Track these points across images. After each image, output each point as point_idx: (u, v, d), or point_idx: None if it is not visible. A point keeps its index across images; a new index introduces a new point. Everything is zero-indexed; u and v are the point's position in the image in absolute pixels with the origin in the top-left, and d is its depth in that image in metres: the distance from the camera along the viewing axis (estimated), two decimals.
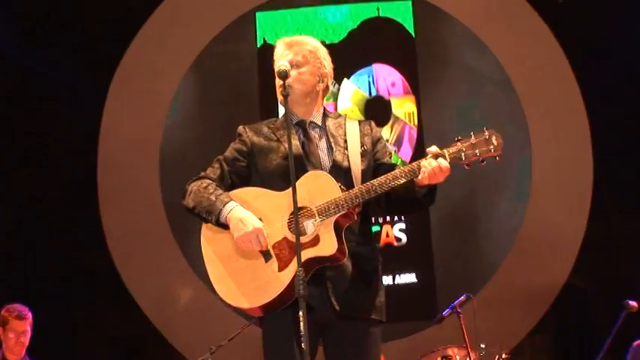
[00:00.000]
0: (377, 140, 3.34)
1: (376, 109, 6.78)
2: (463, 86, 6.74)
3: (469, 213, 6.66)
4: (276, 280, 3.11)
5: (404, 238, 6.65)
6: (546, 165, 6.59)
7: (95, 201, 6.65)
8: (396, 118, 6.76)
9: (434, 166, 3.05)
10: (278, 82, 3.21)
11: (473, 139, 3.08)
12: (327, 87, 3.37)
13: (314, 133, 3.31)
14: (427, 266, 6.61)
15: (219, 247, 3.20)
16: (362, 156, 3.25)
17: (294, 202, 2.96)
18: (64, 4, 6.57)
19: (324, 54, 3.36)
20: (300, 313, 2.86)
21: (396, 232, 6.65)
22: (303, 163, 3.21)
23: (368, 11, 6.87)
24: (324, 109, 3.39)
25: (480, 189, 6.64)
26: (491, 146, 3.07)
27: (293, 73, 3.24)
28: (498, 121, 6.48)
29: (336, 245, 3.06)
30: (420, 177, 3.07)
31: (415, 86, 6.82)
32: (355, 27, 6.83)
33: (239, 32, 6.70)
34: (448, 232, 6.65)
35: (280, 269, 3.10)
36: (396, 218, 6.63)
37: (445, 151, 3.08)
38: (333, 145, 3.27)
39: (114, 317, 6.60)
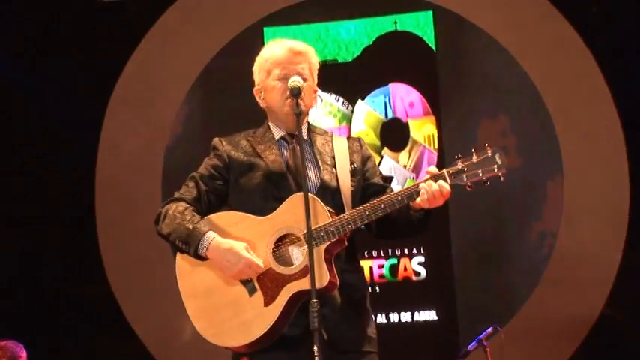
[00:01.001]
0: (367, 158, 3.21)
1: (393, 133, 6.51)
2: (488, 103, 6.42)
3: (494, 242, 6.36)
4: (262, 316, 2.97)
5: (423, 271, 6.35)
6: (579, 188, 6.23)
7: (93, 226, 6.44)
8: (415, 142, 6.48)
9: (434, 189, 2.93)
10: (279, 86, 3.10)
11: (474, 158, 2.95)
12: (315, 101, 3.28)
13: (299, 149, 3.10)
14: (449, 301, 6.31)
15: (197, 280, 3.07)
16: (352, 175, 3.13)
17: (308, 228, 2.85)
18: (60, 15, 6.41)
19: (317, 68, 3.24)
20: (315, 347, 2.77)
21: (414, 265, 6.36)
22: (287, 181, 3.07)
23: (385, 25, 6.57)
24: (309, 123, 3.25)
25: (506, 216, 6.35)
26: (495, 165, 2.94)
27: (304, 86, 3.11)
28: (527, 141, 6.27)
29: (327, 276, 2.92)
30: (418, 200, 2.95)
31: (436, 106, 6.49)
32: (370, 43, 6.55)
33: (246, 46, 6.30)
34: (471, 264, 6.33)
35: (266, 303, 2.98)
36: (414, 251, 6.34)
37: (445, 171, 2.96)
38: (319, 162, 3.13)
39: (113, 351, 6.39)
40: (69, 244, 6.41)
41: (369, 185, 3.16)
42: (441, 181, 2.94)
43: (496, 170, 2.93)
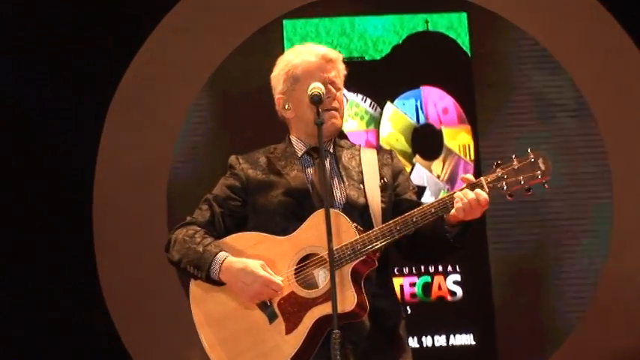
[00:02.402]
0: (398, 172, 3.10)
1: (426, 140, 6.12)
2: (530, 114, 6.12)
3: (536, 262, 6.05)
4: (283, 345, 2.85)
5: (459, 291, 6.02)
6: (630, 209, 6.00)
7: (91, 251, 5.98)
8: (449, 151, 6.14)
9: (470, 198, 2.77)
10: (302, 99, 2.98)
11: (515, 164, 2.83)
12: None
13: (326, 164, 3.00)
14: (487, 325, 5.99)
15: (212, 308, 2.97)
16: (381, 190, 3.00)
17: (330, 249, 2.69)
18: (52, 14, 5.85)
19: None
20: None
21: (449, 284, 6.03)
22: (310, 199, 2.94)
23: (415, 24, 6.18)
24: (335, 137, 3.13)
25: (551, 237, 6.06)
26: (538, 171, 2.82)
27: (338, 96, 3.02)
28: (573, 156, 5.98)
29: (355, 299, 2.79)
30: (453, 211, 2.79)
31: (472, 114, 6.14)
32: (400, 42, 6.17)
33: (263, 44, 6.01)
34: (512, 286, 6.03)
35: (288, 331, 2.85)
36: (449, 269, 6.03)
37: (482, 179, 2.83)
38: (345, 178, 3.01)
39: None
40: (64, 269, 5.96)
41: (400, 201, 3.03)
42: (477, 189, 2.80)
43: (539, 177, 2.82)
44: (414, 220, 2.82)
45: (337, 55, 3.10)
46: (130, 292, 5.99)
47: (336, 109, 3.03)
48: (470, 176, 2.87)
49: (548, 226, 6.03)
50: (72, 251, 5.95)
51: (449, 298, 6.04)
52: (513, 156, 2.86)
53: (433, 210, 2.83)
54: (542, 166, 2.83)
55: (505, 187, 2.84)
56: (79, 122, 5.89)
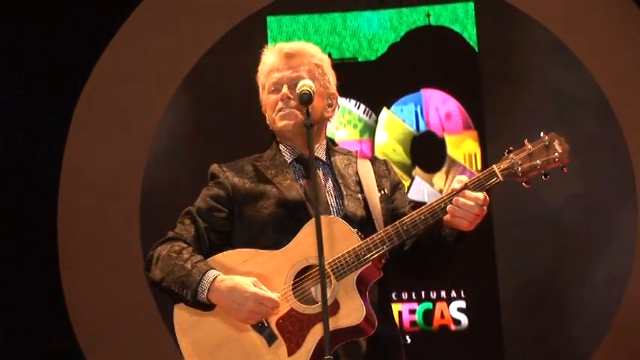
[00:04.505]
0: (396, 185, 3.04)
1: (426, 150, 6.00)
2: (545, 115, 5.87)
3: (551, 284, 5.90)
4: None
5: (464, 320, 5.85)
6: None
7: (55, 269, 5.84)
8: (453, 162, 6.00)
9: (471, 198, 2.70)
10: (270, 99, 2.93)
11: (529, 148, 2.76)
12: (333, 111, 3.06)
13: (318, 173, 2.97)
14: (495, 356, 5.82)
15: (202, 335, 2.80)
16: (380, 202, 2.93)
17: (321, 264, 2.59)
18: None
19: (329, 68, 3.03)
20: None
21: (453, 312, 5.86)
22: (305, 211, 2.84)
23: (415, 18, 6.05)
24: (329, 141, 3.06)
25: (566, 252, 5.89)
26: (555, 154, 2.74)
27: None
28: (593, 159, 5.74)
29: (363, 310, 2.69)
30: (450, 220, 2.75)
31: (479, 117, 6.00)
32: (398, 39, 6.03)
33: (245, 40, 5.84)
34: (524, 311, 5.84)
35: (290, 353, 2.74)
36: (453, 294, 5.85)
37: (495, 167, 2.76)
38: (342, 187, 2.93)
39: None
40: (27, 289, 5.83)
41: (398, 216, 2.90)
42: (467, 192, 2.70)
43: (557, 160, 2.73)
44: (423, 217, 2.75)
45: (301, 47, 3.00)
46: (99, 312, 5.83)
47: (284, 109, 2.92)
48: (465, 177, 2.80)
49: (563, 239, 5.86)
50: (35, 268, 5.86)
51: (452, 327, 5.88)
52: (526, 140, 2.80)
53: (443, 205, 2.74)
54: (559, 148, 2.75)
55: (520, 174, 2.76)
56: (42, 124, 5.80)
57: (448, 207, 2.73)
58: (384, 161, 3.12)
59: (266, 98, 2.97)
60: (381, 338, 2.81)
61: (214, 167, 3.01)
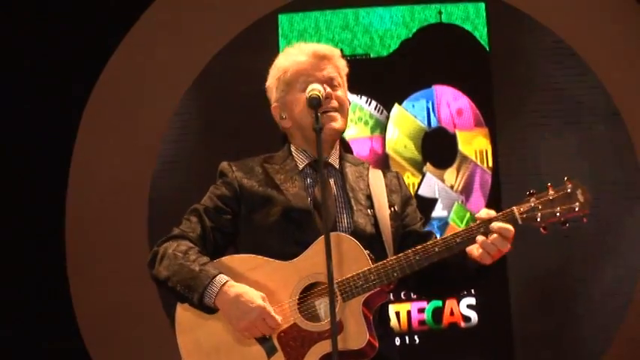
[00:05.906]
0: (407, 200, 3.00)
1: (438, 146, 5.91)
2: (554, 117, 5.88)
3: (560, 284, 5.87)
4: None
5: (474, 317, 5.77)
6: None
7: (63, 271, 5.81)
8: (464, 158, 5.92)
9: (500, 232, 2.67)
10: (301, 101, 2.83)
11: (551, 194, 2.73)
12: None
13: (329, 181, 2.91)
14: (505, 354, 5.80)
15: (202, 337, 2.78)
16: (390, 219, 2.89)
17: (330, 280, 2.52)
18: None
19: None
20: None
21: (463, 309, 5.80)
22: (312, 222, 2.79)
23: (426, 15, 5.98)
24: (341, 148, 3.00)
25: (574, 254, 5.85)
26: (577, 203, 2.71)
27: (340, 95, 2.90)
28: (601, 165, 5.75)
29: (366, 335, 2.67)
30: (476, 254, 2.72)
31: (490, 115, 5.94)
32: (410, 36, 5.95)
33: (255, 41, 5.81)
34: (534, 311, 5.83)
35: None
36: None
37: (515, 209, 2.72)
38: (352, 201, 2.87)
39: None
40: (35, 290, 5.79)
41: (409, 233, 2.93)
42: (497, 224, 2.68)
43: (577, 210, 2.70)
44: (437, 250, 2.71)
45: (332, 51, 2.95)
46: (106, 314, 5.80)
47: (335, 110, 2.85)
48: (486, 212, 2.75)
49: (572, 242, 5.81)
50: (42, 270, 5.81)
51: (462, 324, 5.81)
52: (549, 185, 2.76)
53: (459, 240, 2.73)
54: (581, 198, 2.73)
55: (539, 219, 2.73)
56: (50, 127, 5.74)
57: (478, 238, 2.69)
58: (396, 174, 3.08)
59: (293, 97, 2.88)
60: (378, 356, 2.77)
61: (224, 165, 2.96)
